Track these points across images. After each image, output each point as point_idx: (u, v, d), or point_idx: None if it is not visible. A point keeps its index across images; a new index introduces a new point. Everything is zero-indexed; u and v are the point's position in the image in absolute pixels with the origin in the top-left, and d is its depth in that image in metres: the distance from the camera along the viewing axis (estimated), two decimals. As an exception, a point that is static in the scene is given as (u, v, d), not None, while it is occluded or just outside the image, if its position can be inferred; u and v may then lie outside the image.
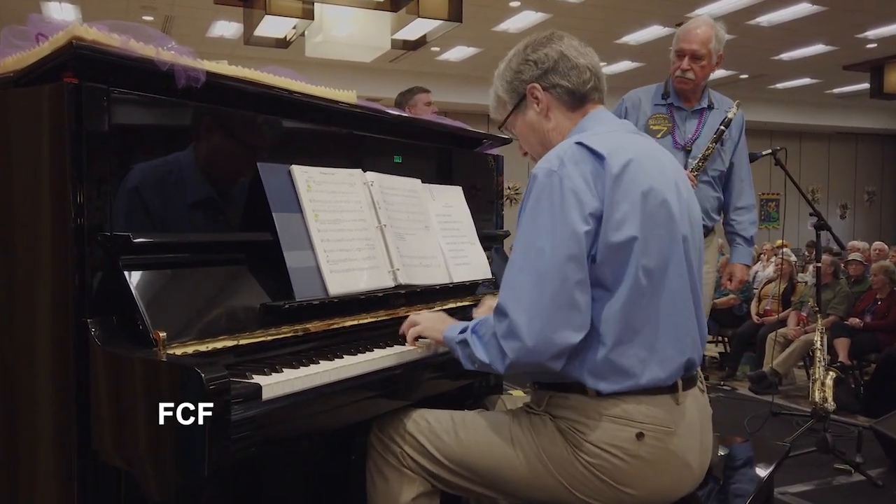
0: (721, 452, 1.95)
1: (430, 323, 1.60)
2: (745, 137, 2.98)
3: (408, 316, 1.66)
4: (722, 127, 2.84)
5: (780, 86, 12.35)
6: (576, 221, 1.32)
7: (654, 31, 8.97)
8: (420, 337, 1.62)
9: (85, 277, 1.25)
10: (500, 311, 1.35)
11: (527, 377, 1.50)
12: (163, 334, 1.22)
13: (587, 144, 1.37)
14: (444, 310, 1.84)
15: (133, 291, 1.26)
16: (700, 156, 2.82)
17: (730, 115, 2.86)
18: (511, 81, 1.54)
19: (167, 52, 1.37)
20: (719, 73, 11.12)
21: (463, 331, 1.45)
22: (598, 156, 1.36)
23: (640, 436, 1.35)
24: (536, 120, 1.53)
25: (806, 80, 11.91)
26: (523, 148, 1.61)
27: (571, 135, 1.46)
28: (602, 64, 1.64)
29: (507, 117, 1.58)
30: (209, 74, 1.42)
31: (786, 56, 10.32)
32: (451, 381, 1.76)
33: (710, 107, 2.92)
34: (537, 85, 1.50)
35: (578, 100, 1.51)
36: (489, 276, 2.10)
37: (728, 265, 3.06)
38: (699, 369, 1.50)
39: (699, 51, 2.76)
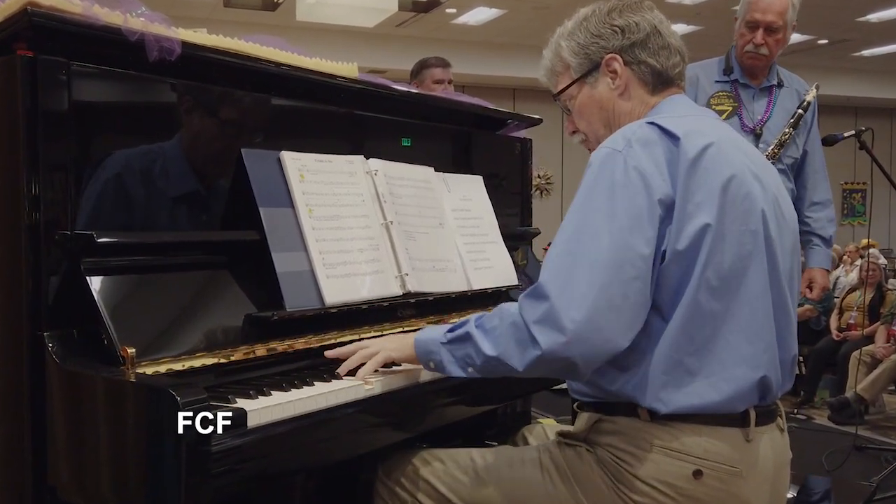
0: (793, 493, 1.95)
1: (390, 343, 1.53)
2: (818, 120, 3.00)
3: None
4: (800, 111, 2.86)
5: (866, 53, 12.24)
6: (641, 206, 1.32)
7: (713, -12, 8.95)
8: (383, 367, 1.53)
9: (40, 283, 1.27)
10: (538, 294, 1.34)
11: (572, 393, 1.50)
12: (132, 350, 1.24)
13: (660, 124, 1.38)
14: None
15: (97, 300, 1.28)
16: (775, 142, 2.83)
17: (808, 98, 2.88)
18: (585, 45, 1.53)
19: (137, 20, 1.39)
20: (793, 38, 11.06)
21: (451, 329, 1.44)
22: (672, 137, 1.36)
23: (697, 473, 1.35)
24: (608, 97, 1.53)
25: (898, 47, 11.83)
26: (575, 125, 1.60)
27: (643, 118, 1.47)
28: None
29: (568, 85, 1.57)
30: (185, 45, 1.44)
31: (873, 17, 10.22)
32: (471, 406, 1.77)
33: (780, 84, 2.93)
34: (619, 57, 1.50)
35: (664, 83, 1.52)
36: (515, 282, 2.11)
37: (806, 270, 3.04)
38: (779, 403, 1.49)
39: (776, 22, 2.76)
